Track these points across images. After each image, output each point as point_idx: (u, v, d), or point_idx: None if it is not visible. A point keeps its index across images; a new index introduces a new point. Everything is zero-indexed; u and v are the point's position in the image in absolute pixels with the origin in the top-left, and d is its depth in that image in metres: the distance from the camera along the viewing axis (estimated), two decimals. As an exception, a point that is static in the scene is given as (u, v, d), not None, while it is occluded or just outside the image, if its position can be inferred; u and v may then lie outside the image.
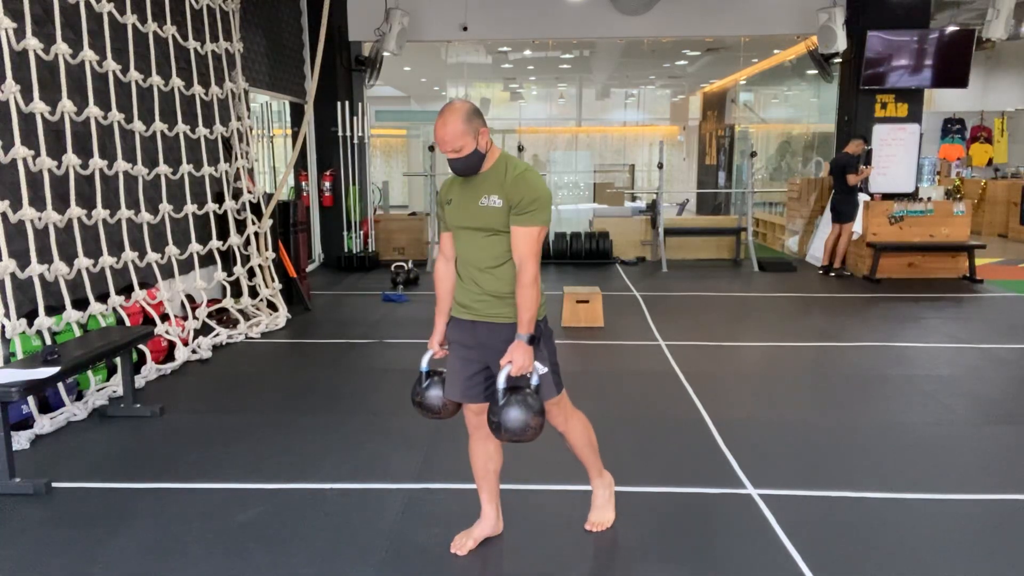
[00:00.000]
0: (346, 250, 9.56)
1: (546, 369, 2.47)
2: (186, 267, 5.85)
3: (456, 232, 2.51)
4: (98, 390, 4.36)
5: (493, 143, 2.41)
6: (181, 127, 5.73)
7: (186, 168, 5.79)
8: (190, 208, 5.83)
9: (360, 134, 9.54)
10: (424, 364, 2.64)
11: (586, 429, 2.75)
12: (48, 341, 4.09)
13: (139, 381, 4.61)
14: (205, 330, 5.67)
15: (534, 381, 2.41)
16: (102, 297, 4.70)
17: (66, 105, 4.40)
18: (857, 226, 8.54)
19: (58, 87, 4.41)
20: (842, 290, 7.81)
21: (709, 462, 3.51)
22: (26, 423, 3.83)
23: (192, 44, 5.95)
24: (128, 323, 4.79)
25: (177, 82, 5.68)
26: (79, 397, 4.28)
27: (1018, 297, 7.45)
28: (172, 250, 5.53)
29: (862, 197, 8.65)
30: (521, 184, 2.34)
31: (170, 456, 3.60)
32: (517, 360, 2.35)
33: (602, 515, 2.87)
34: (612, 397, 4.48)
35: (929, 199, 8.48)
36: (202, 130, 6.06)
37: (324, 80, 8.43)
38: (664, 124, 20.15)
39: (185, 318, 5.53)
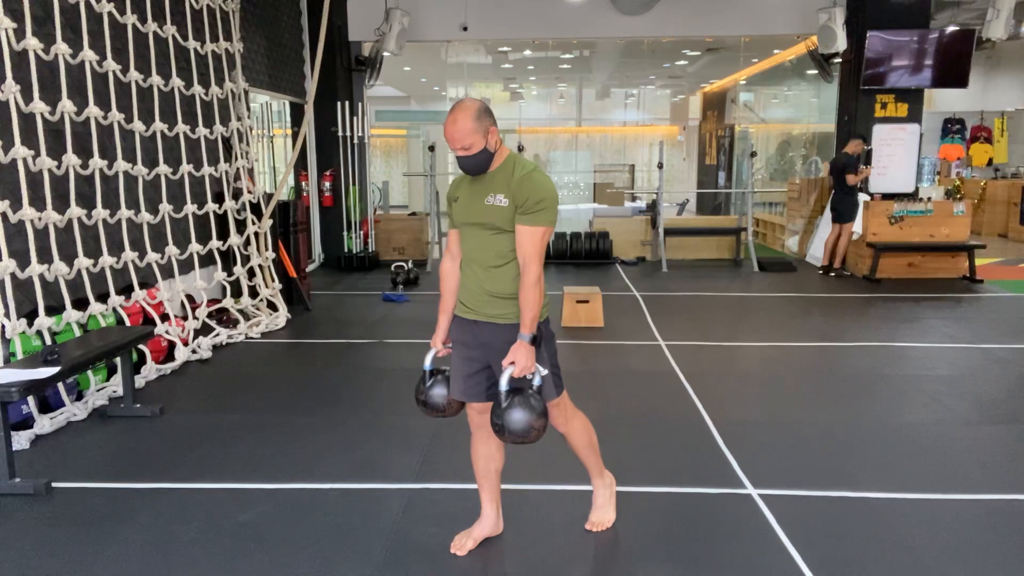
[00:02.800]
0: (346, 250, 9.56)
1: (547, 371, 2.46)
2: (186, 267, 5.85)
3: (462, 229, 2.51)
4: (98, 390, 4.36)
5: (503, 143, 2.42)
6: (181, 127, 5.74)
7: (186, 168, 5.79)
8: (190, 208, 5.83)
9: (360, 134, 9.53)
10: (428, 363, 2.63)
11: (587, 430, 2.75)
12: (48, 341, 4.09)
13: (139, 381, 4.61)
14: (205, 330, 5.67)
15: (536, 382, 2.40)
16: (102, 297, 4.71)
17: (66, 105, 4.40)
18: (857, 226, 8.54)
19: (58, 87, 4.41)
20: (842, 290, 7.81)
21: (709, 462, 3.51)
22: (26, 423, 3.84)
23: (192, 44, 5.95)
24: (128, 323, 4.79)
25: (177, 82, 5.68)
26: (79, 397, 4.28)
27: (1018, 297, 7.45)
28: (172, 250, 5.53)
29: (862, 197, 8.65)
30: (527, 184, 2.34)
31: (170, 456, 3.60)
32: (519, 361, 2.34)
33: (603, 515, 2.87)
34: (612, 397, 4.48)
35: (929, 199, 8.48)
36: (202, 130, 6.06)
37: (324, 80, 8.43)
38: (664, 124, 20.14)
39: (185, 318, 5.53)
